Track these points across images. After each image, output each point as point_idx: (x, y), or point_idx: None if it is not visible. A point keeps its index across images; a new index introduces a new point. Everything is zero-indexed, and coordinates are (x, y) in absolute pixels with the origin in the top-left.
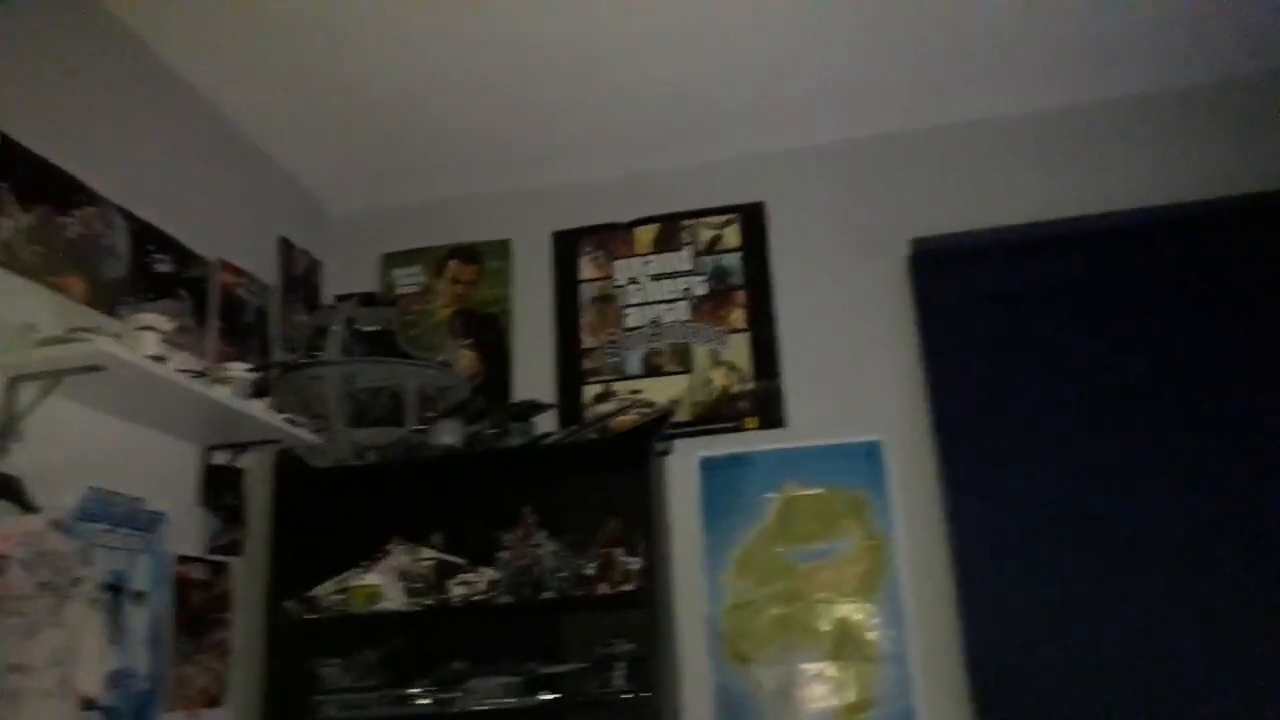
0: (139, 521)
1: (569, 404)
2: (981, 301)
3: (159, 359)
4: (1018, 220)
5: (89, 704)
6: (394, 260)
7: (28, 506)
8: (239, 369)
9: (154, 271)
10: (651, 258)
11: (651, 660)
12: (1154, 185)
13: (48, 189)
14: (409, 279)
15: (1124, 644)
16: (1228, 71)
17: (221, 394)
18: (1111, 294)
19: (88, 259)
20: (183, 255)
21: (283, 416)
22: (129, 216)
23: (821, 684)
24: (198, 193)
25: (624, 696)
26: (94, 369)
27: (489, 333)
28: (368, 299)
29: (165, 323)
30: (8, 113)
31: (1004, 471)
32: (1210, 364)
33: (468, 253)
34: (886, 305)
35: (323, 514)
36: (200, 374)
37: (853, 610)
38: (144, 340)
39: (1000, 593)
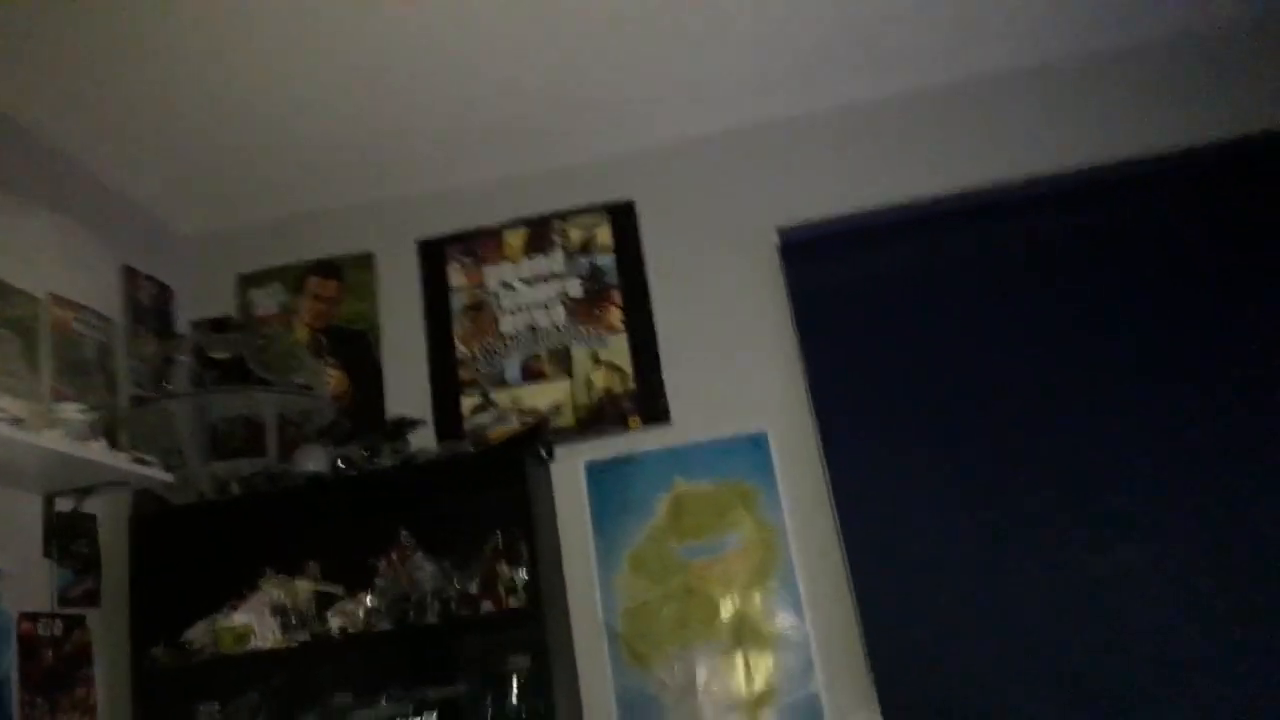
0: None
1: (447, 418)
2: (853, 286)
3: None
4: (884, 203)
5: None
6: (251, 281)
7: None
8: (71, 410)
9: None
10: (523, 261)
11: (546, 673)
12: (1020, 160)
13: None
14: (268, 299)
15: (1019, 616)
16: (1084, 45)
17: (50, 439)
18: (982, 270)
19: None
20: (3, 293)
21: (129, 456)
22: None
23: (724, 677)
24: (18, 227)
25: (520, 714)
26: None
27: (356, 350)
28: (218, 324)
29: None
30: None
31: (888, 453)
32: (1084, 334)
33: (328, 268)
34: (762, 296)
35: (188, 554)
36: (18, 420)
37: (749, 601)
38: None
39: (893, 573)
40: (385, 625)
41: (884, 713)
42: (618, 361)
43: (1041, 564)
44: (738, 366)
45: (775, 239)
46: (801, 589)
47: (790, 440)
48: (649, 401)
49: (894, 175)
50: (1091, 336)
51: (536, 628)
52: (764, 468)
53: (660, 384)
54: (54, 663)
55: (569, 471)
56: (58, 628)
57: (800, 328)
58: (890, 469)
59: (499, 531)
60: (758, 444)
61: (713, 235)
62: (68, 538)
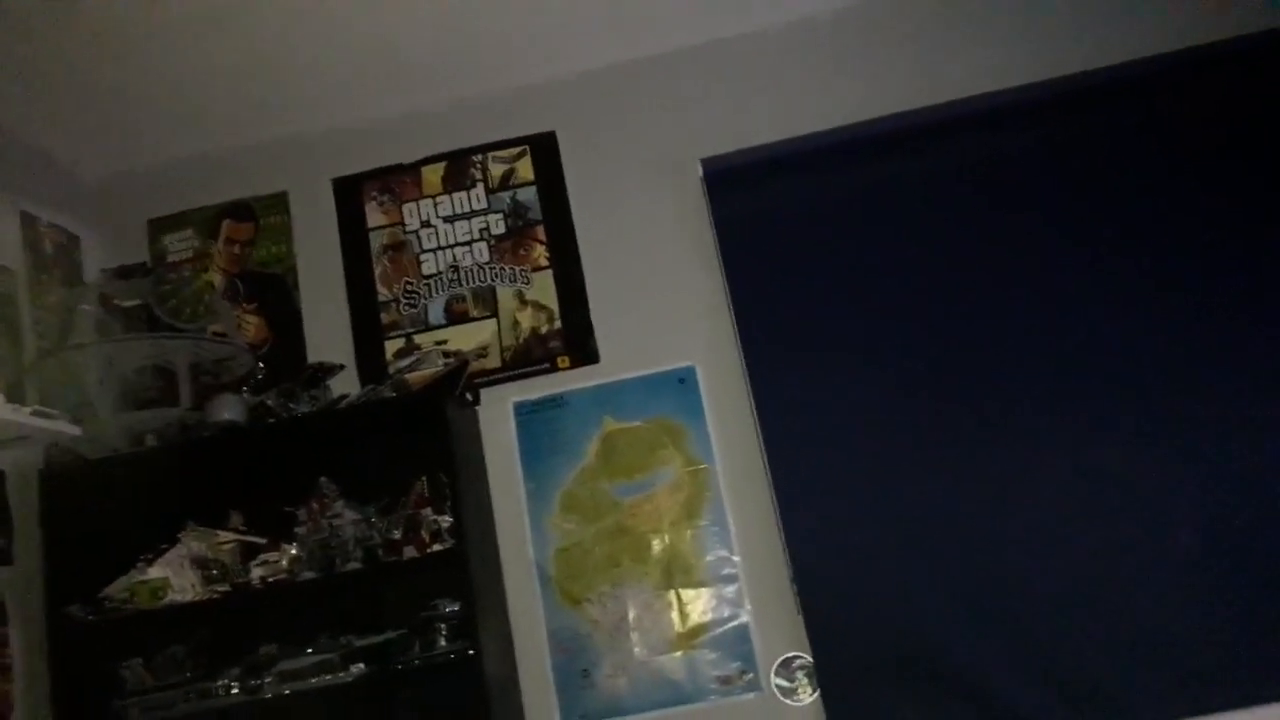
0: None
1: (369, 362)
2: (779, 216)
3: None
4: (809, 130)
5: None
6: (162, 226)
7: None
8: None
9: None
10: (442, 198)
11: (474, 617)
12: (946, 80)
13: None
14: (181, 244)
15: (946, 548)
16: None
17: None
18: (906, 196)
19: None
20: None
21: (30, 410)
22: None
23: (655, 614)
24: None
25: (450, 657)
26: None
27: (274, 294)
28: (124, 271)
29: None
30: None
31: (813, 385)
32: (1006, 258)
33: (241, 210)
34: (687, 228)
35: (104, 508)
36: None
37: (679, 538)
38: None
39: (819, 505)
40: (309, 574)
41: (812, 643)
42: (543, 300)
43: (970, 493)
44: (665, 301)
45: (700, 170)
46: (731, 524)
47: (718, 375)
48: (577, 340)
49: (819, 101)
50: (1027, 259)
51: (462, 571)
52: (693, 404)
53: (588, 322)
54: None
55: (497, 413)
56: None
57: (726, 260)
58: (818, 401)
59: (423, 476)
60: (685, 379)
61: (636, 167)
62: None
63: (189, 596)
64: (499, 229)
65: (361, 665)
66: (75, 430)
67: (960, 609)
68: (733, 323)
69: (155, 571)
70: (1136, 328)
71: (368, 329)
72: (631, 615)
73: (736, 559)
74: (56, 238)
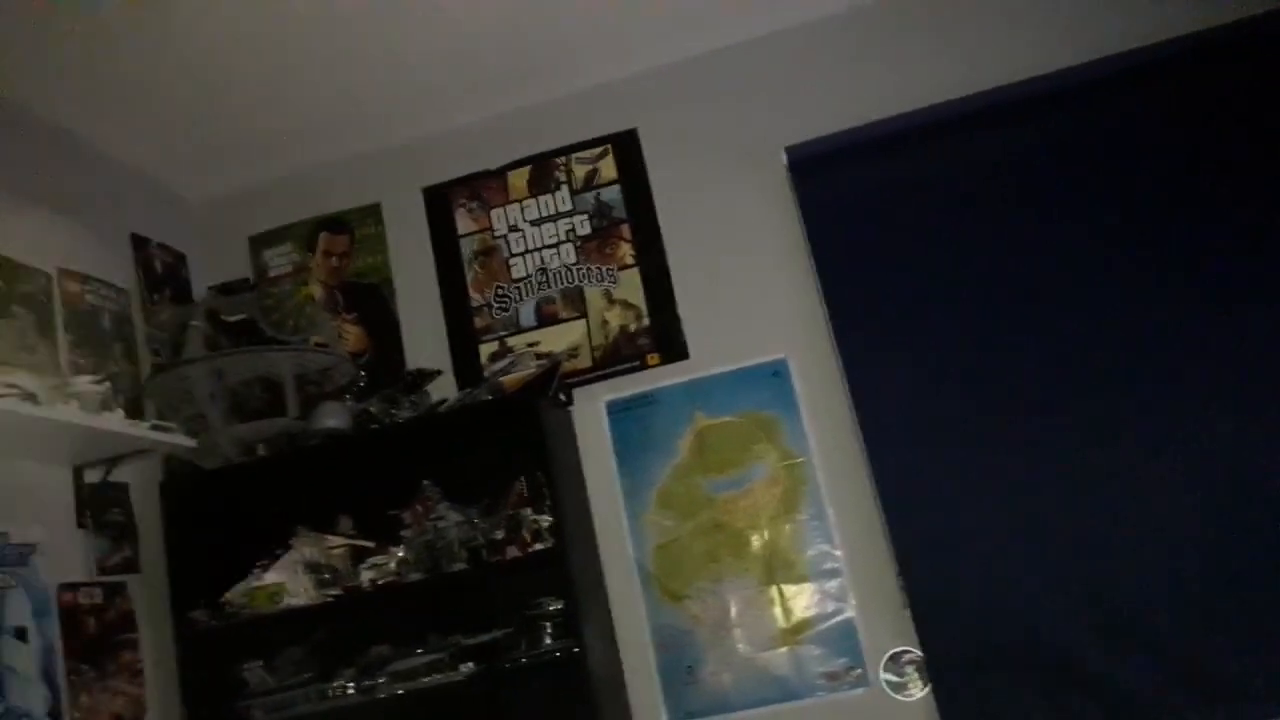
0: (6, 557)
1: (465, 366)
2: (867, 201)
3: None
4: (894, 112)
5: None
6: (262, 241)
7: None
8: (84, 382)
9: None
10: (528, 202)
11: (577, 614)
12: (1035, 56)
13: None
14: (281, 259)
15: (1053, 534)
16: None
17: (67, 412)
18: (1001, 174)
19: None
20: (11, 270)
21: (149, 424)
22: None
23: (758, 610)
24: (24, 202)
25: (556, 655)
26: None
27: (372, 303)
28: (228, 287)
29: None
30: None
31: (911, 373)
32: (1104, 238)
33: (336, 223)
34: (774, 219)
35: (221, 516)
36: (30, 395)
37: (778, 533)
38: None
39: (922, 494)
40: (416, 575)
41: (921, 637)
42: (631, 298)
43: (1077, 478)
44: (753, 294)
45: (784, 158)
46: (831, 517)
47: (811, 366)
48: (665, 336)
49: (902, 82)
50: (1119, 236)
51: (564, 569)
52: (786, 396)
53: (675, 318)
54: (97, 631)
55: (590, 412)
56: (98, 596)
57: (815, 248)
58: (916, 389)
59: (521, 477)
60: (778, 372)
61: (719, 159)
62: (100, 507)
63: (303, 600)
64: (584, 229)
65: (471, 664)
66: (190, 442)
67: (1073, 598)
68: (824, 312)
69: (271, 576)
70: (1247, 314)
71: (462, 334)
72: (733, 611)
73: (838, 553)
74: (165, 258)
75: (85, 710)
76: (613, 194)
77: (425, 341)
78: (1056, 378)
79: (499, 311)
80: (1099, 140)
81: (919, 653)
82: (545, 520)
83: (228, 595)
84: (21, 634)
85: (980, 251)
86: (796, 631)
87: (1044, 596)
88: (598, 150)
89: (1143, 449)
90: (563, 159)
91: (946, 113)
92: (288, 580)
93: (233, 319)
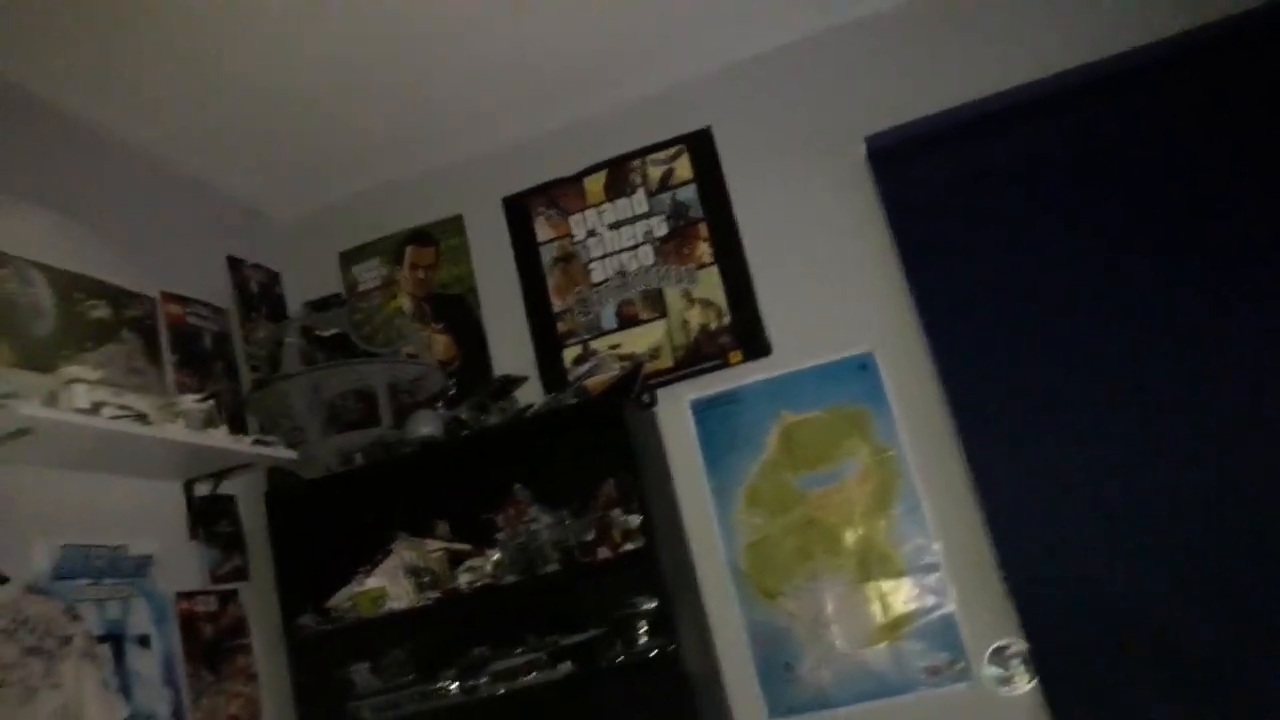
0: (124, 568)
1: (550, 371)
2: (949, 188)
3: (94, 409)
4: (974, 96)
5: None
6: (351, 257)
7: None
8: (189, 401)
9: (89, 319)
10: (605, 206)
11: (670, 613)
12: (1120, 34)
13: None
14: (369, 274)
15: (1157, 523)
16: None
17: (175, 431)
18: (1089, 157)
19: (9, 322)
20: (119, 296)
21: (251, 438)
22: (46, 269)
23: (854, 606)
24: (126, 231)
25: (651, 653)
26: (22, 433)
27: (459, 313)
28: (320, 303)
29: (91, 371)
30: None
31: (1004, 359)
32: (1200, 215)
33: (422, 236)
34: (854, 210)
35: (323, 524)
36: (141, 416)
37: (872, 528)
38: (74, 393)
39: (1020, 483)
40: (511, 577)
41: (1026, 630)
42: (711, 297)
43: (1179, 462)
44: (836, 287)
45: (863, 148)
46: (926, 510)
47: (899, 358)
48: (746, 334)
49: (982, 65)
50: (1211, 216)
51: (655, 569)
52: (874, 390)
53: (756, 315)
54: (213, 636)
55: (674, 412)
56: (212, 604)
57: (898, 238)
58: (1010, 377)
59: (610, 478)
60: (865, 365)
61: (796, 153)
62: (210, 519)
63: (405, 603)
64: (662, 230)
65: (568, 663)
66: (291, 454)
67: (1182, 584)
68: (911, 303)
69: (373, 581)
70: None
71: (546, 339)
72: (830, 608)
73: (936, 546)
74: (260, 277)
75: (205, 712)
76: (689, 193)
77: (510, 348)
78: (1153, 361)
79: (580, 315)
80: (1189, 118)
81: (1024, 645)
82: (635, 520)
83: (333, 600)
84: (144, 641)
85: (1067, 236)
86: (895, 626)
87: (1150, 583)
88: (672, 150)
89: (1247, 430)
90: (637, 161)
91: (1029, 95)
92: (389, 584)
93: (326, 334)
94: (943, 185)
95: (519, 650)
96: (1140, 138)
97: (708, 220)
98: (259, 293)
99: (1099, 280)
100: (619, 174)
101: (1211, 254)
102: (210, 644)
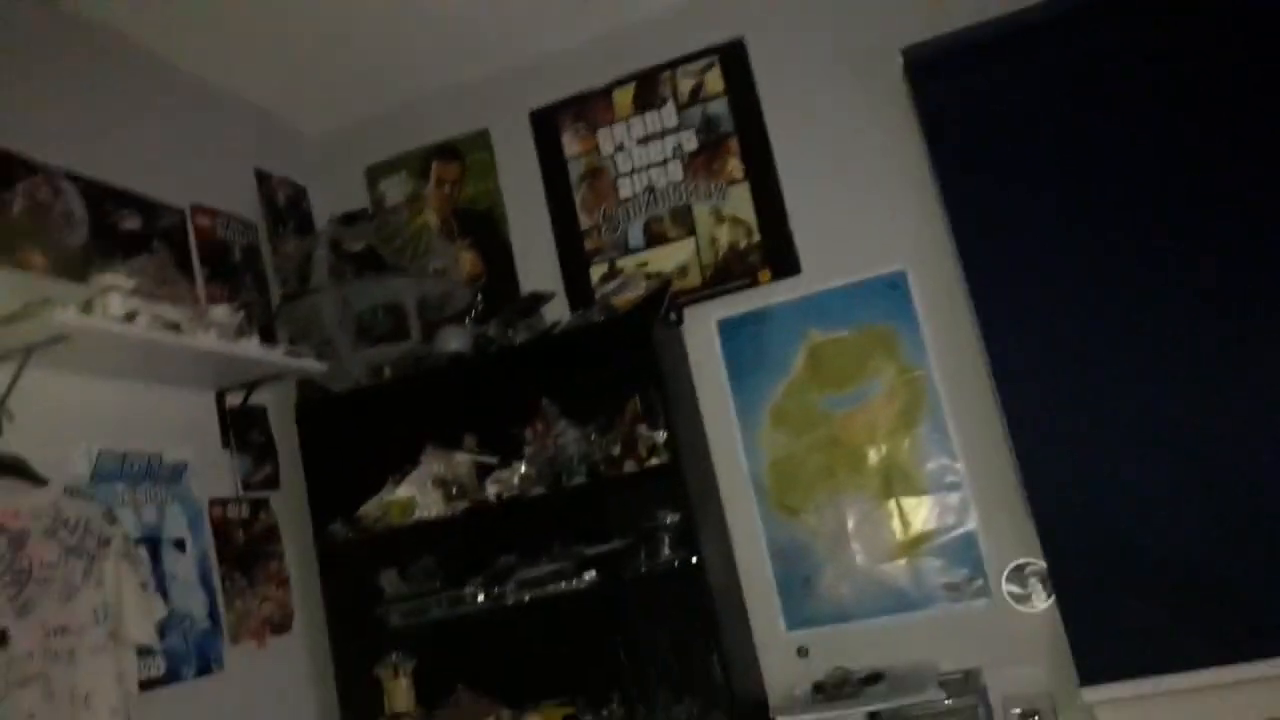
0: (160, 474)
1: (576, 288)
2: (988, 103)
3: (129, 317)
4: (1014, 6)
5: (144, 651)
6: (378, 172)
7: (36, 480)
8: (221, 312)
9: (121, 230)
10: (634, 119)
11: (693, 527)
12: None
13: None
14: (396, 189)
15: (1186, 445)
16: None
17: (207, 340)
18: (1128, 72)
19: (42, 230)
20: (150, 208)
21: (282, 350)
22: (79, 179)
23: (875, 523)
24: (156, 143)
25: (674, 565)
26: (58, 340)
27: (485, 229)
28: (349, 218)
29: (125, 280)
30: None
31: (1036, 281)
32: (1255, 134)
33: (448, 151)
34: (889, 125)
35: (352, 435)
36: (175, 325)
37: (896, 447)
38: (109, 302)
39: (1047, 408)
40: (538, 490)
41: (1045, 550)
42: (740, 214)
43: (1208, 389)
44: (868, 205)
45: (900, 60)
46: (952, 430)
47: (931, 277)
48: (776, 252)
49: None
50: (1262, 137)
51: (679, 483)
52: (904, 309)
53: (787, 233)
54: (246, 541)
55: (701, 331)
56: (244, 510)
57: (934, 155)
58: (1041, 295)
59: (636, 395)
60: (896, 284)
61: (831, 65)
62: (242, 429)
63: (434, 513)
64: (691, 145)
65: (593, 573)
66: (321, 366)
67: (1202, 510)
68: (945, 221)
69: (403, 491)
70: None
71: (573, 256)
72: (851, 524)
73: (959, 465)
74: (287, 191)
75: (239, 614)
76: (719, 107)
77: (536, 265)
78: (1187, 287)
79: (608, 233)
80: (1250, 27)
81: (1042, 564)
82: (660, 436)
83: (362, 509)
84: (180, 544)
85: (1110, 155)
86: (916, 543)
87: (1172, 508)
88: (703, 63)
89: (1277, 358)
90: (667, 73)
91: (1075, 4)
92: (418, 494)
93: (355, 248)
94: (982, 100)
95: (544, 560)
96: (1196, 49)
97: (739, 135)
98: (286, 207)
99: (1141, 201)
100: (648, 86)
101: (1263, 174)
102: (243, 549)
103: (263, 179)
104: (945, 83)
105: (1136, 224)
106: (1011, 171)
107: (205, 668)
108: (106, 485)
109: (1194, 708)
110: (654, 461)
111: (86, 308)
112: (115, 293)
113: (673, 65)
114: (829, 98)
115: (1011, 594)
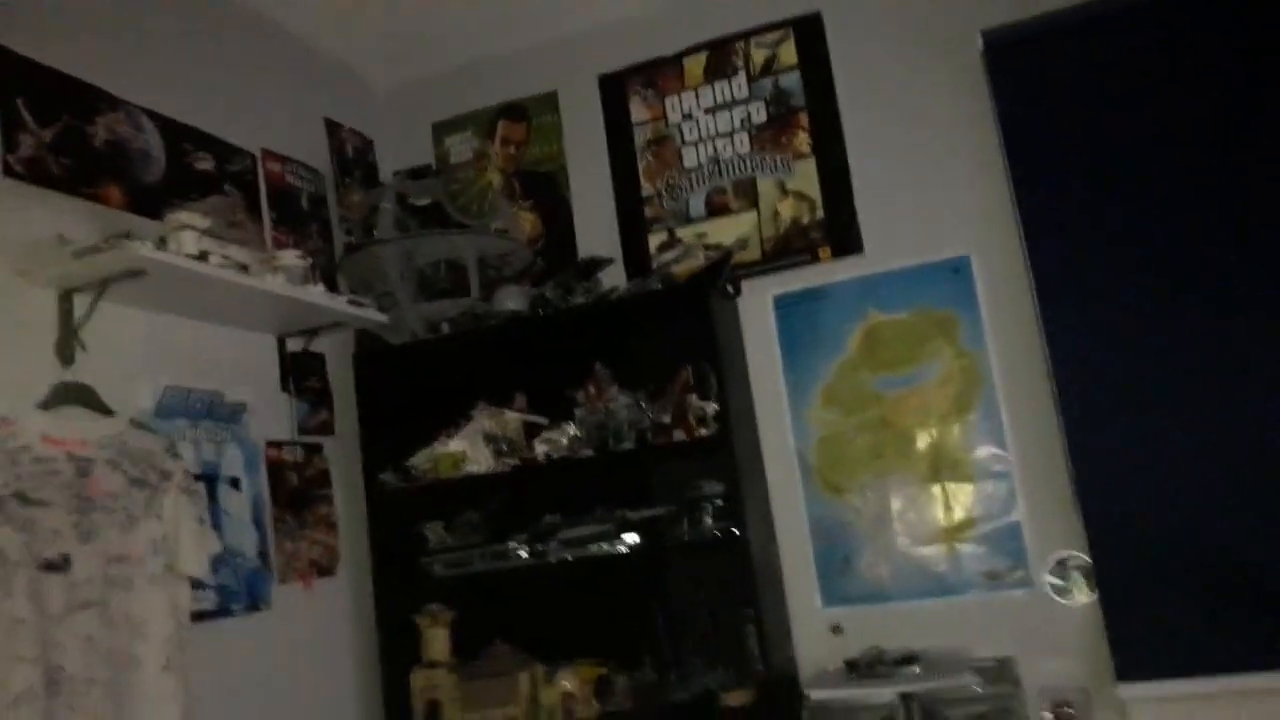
0: (221, 413)
1: (635, 255)
2: (1067, 91)
3: (201, 256)
4: None
5: (197, 584)
6: (444, 129)
7: (104, 410)
8: (290, 257)
9: (196, 170)
10: (704, 89)
11: (738, 499)
12: None
13: (66, 101)
14: (461, 146)
15: (1240, 446)
16: None
17: (274, 284)
18: (1209, 62)
19: (121, 165)
20: (223, 150)
21: (346, 298)
22: (157, 118)
23: (920, 506)
24: (231, 86)
25: (716, 535)
26: (134, 274)
27: (547, 191)
28: (416, 172)
29: (200, 219)
30: (13, 28)
31: (1101, 273)
32: None
33: (515, 111)
34: (964, 108)
35: (407, 387)
36: (244, 267)
37: (946, 432)
38: (183, 239)
39: (1104, 399)
40: (587, 452)
41: (1091, 545)
42: (805, 190)
43: (1267, 389)
44: (937, 188)
45: (979, 43)
46: (1005, 420)
47: (995, 263)
48: (839, 231)
49: None
50: None
51: (727, 456)
52: (965, 294)
53: (851, 211)
54: (298, 484)
55: (757, 305)
56: (299, 454)
57: (1008, 140)
58: (1105, 289)
59: (689, 365)
60: (959, 269)
61: (909, 44)
62: (301, 374)
63: (482, 468)
64: (760, 117)
65: (635, 537)
66: (383, 318)
67: (1257, 518)
68: (1013, 208)
69: (454, 444)
70: None
71: (632, 223)
72: (895, 506)
73: (1009, 455)
74: (355, 143)
75: (288, 554)
76: (791, 80)
77: (596, 230)
78: (1256, 289)
79: (669, 201)
80: None
81: (1086, 559)
82: (710, 407)
83: (413, 460)
84: (235, 483)
85: (1186, 150)
86: (959, 530)
87: (1223, 512)
88: (778, 34)
89: None
90: (741, 43)
91: None
92: (468, 449)
93: (420, 203)
94: (1061, 87)
95: (589, 521)
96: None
97: (809, 109)
98: (353, 158)
99: (1215, 193)
100: (720, 56)
101: None
102: (295, 492)
103: (332, 129)
104: (1024, 67)
105: (1209, 223)
106: (1084, 163)
107: (254, 605)
108: (169, 421)
109: (1229, 712)
110: (703, 432)
111: (161, 244)
112: (190, 231)
113: (746, 36)
114: (903, 76)
115: (1053, 586)
